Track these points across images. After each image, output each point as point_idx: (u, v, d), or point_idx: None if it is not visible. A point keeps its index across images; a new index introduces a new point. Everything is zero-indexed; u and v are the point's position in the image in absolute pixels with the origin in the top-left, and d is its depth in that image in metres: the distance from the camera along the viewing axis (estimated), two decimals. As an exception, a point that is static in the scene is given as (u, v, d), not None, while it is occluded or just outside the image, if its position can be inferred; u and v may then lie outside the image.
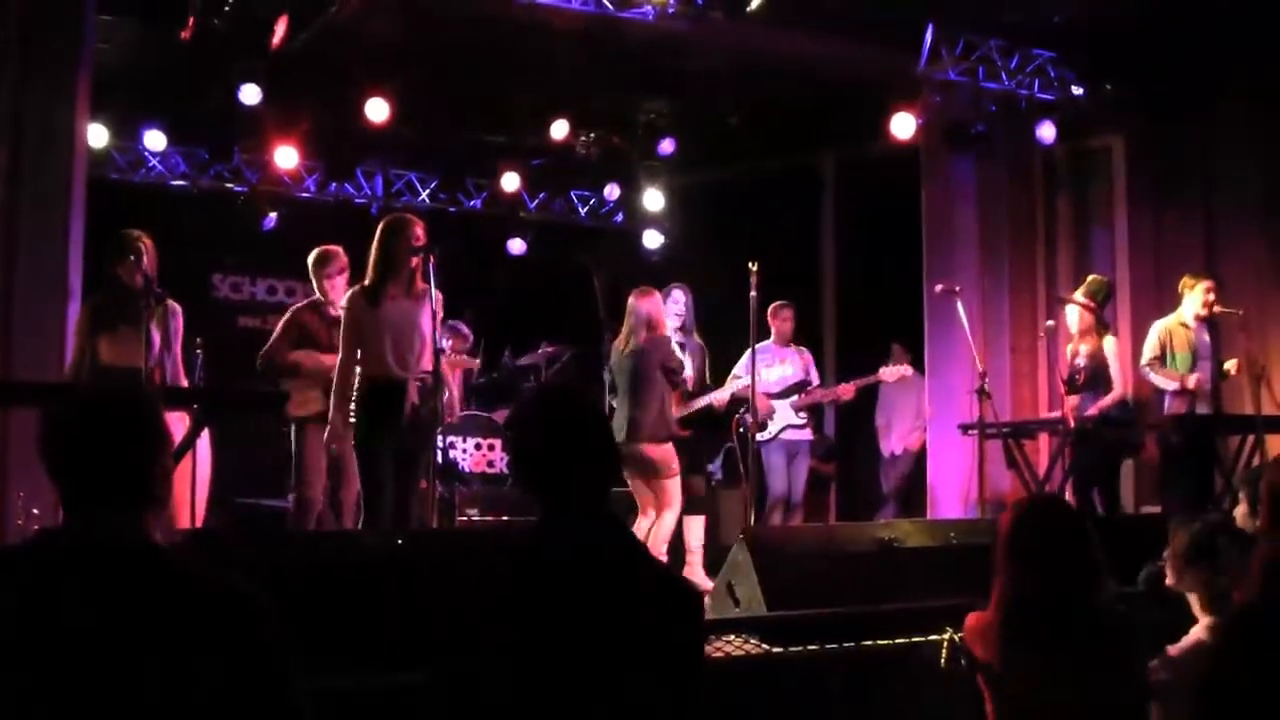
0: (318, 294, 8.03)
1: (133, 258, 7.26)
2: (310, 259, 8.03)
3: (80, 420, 2.66)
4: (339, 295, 7.81)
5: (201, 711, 2.46)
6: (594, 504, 2.86)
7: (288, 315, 8.08)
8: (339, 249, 8.01)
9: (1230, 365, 9.10)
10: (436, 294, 7.17)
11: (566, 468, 2.85)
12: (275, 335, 7.97)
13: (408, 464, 7.14)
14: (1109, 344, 9.06)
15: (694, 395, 8.87)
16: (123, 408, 2.70)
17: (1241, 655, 3.09)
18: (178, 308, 7.56)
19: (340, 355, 7.10)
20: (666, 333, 8.52)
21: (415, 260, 7.11)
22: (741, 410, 8.94)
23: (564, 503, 2.85)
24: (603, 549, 2.83)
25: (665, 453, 8.31)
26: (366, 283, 7.10)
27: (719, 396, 8.87)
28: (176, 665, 2.46)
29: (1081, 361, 9.03)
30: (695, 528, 8.77)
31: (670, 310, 8.90)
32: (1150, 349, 9.15)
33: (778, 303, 9.74)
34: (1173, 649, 4.08)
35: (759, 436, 9.38)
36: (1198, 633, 4.14)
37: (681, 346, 8.91)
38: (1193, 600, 4.23)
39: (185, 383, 7.73)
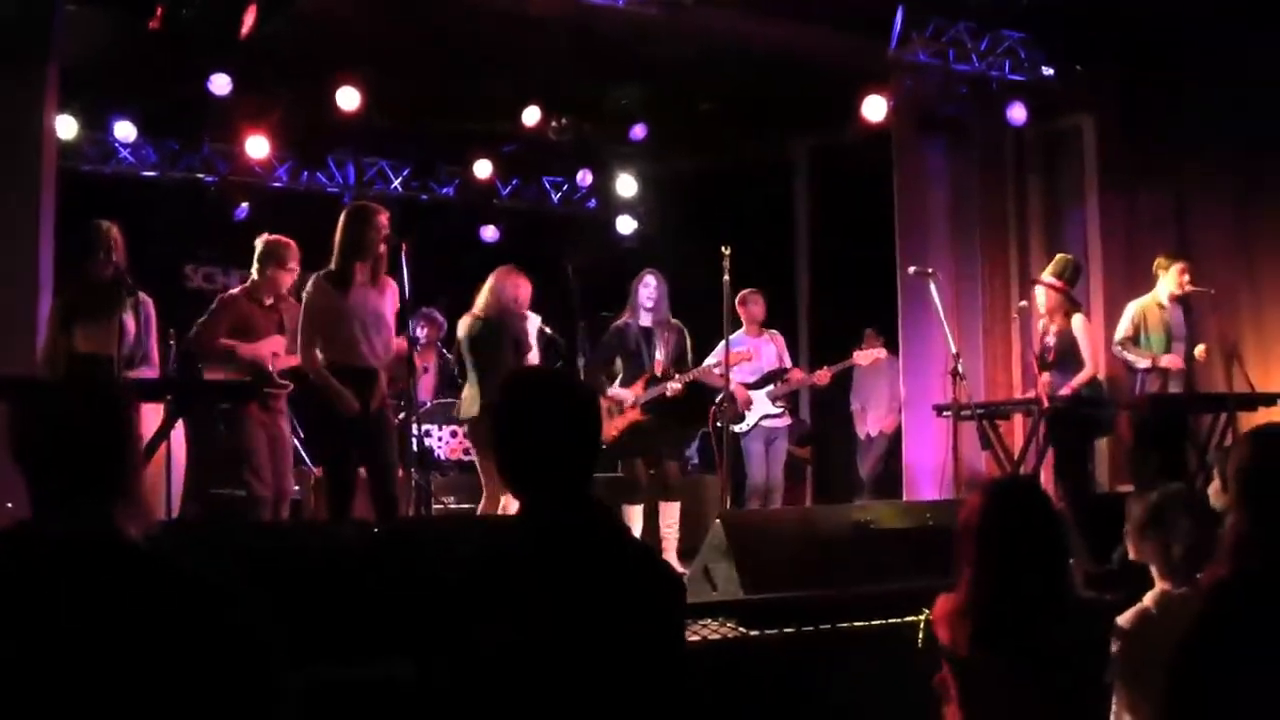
0: (260, 282, 7.77)
1: (102, 249, 7.22)
2: (264, 248, 7.78)
3: (50, 412, 2.67)
4: (285, 289, 7.79)
5: (174, 703, 2.46)
6: (577, 489, 2.83)
7: (221, 301, 7.81)
8: (294, 244, 7.91)
9: (1199, 350, 9.17)
10: (404, 282, 7.20)
11: (549, 452, 2.81)
12: (207, 319, 7.68)
13: (382, 453, 7.15)
14: (1077, 322, 9.06)
15: (662, 380, 8.86)
16: (91, 399, 2.70)
17: (1215, 632, 3.11)
18: (149, 300, 7.52)
19: (301, 342, 7.08)
20: (525, 313, 8.33)
21: (381, 249, 7.12)
22: (719, 399, 8.94)
23: (546, 488, 2.82)
24: (586, 534, 2.80)
25: None
26: (333, 269, 7.09)
27: (673, 386, 8.85)
28: (148, 657, 2.46)
29: (1050, 340, 9.04)
30: (669, 513, 8.79)
31: (642, 296, 8.90)
32: (1123, 328, 9.20)
33: (747, 290, 9.68)
34: (1121, 619, 4.11)
35: (738, 428, 9.40)
36: (1147, 601, 4.19)
37: (650, 331, 8.91)
38: (1152, 570, 4.28)
39: (157, 374, 7.69)
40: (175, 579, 2.57)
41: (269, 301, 7.76)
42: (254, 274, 7.81)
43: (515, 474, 2.86)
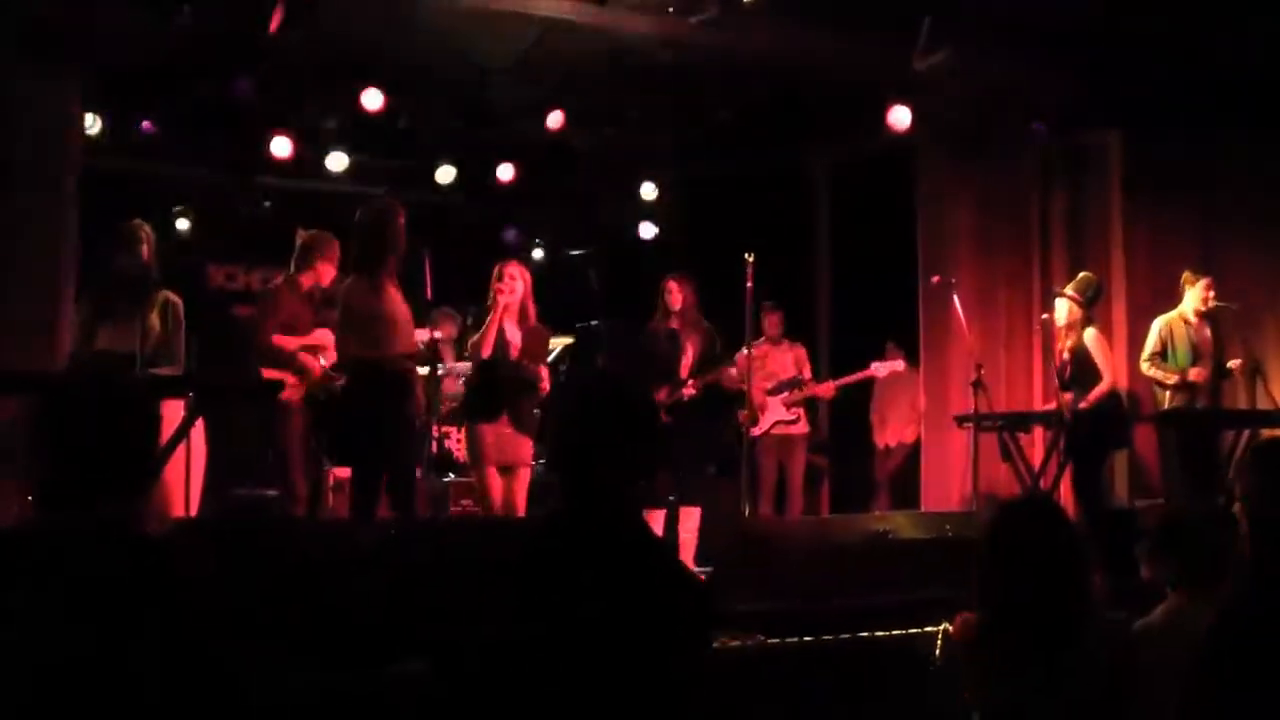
0: (302, 275, 7.84)
1: (135, 247, 7.27)
2: (309, 240, 7.85)
3: (70, 405, 2.67)
4: (327, 283, 7.82)
5: (154, 695, 2.49)
6: (623, 493, 2.86)
7: (272, 297, 7.89)
8: (337, 240, 7.92)
9: (1234, 364, 9.12)
10: (426, 285, 7.27)
11: (592, 452, 2.84)
12: (264, 318, 7.77)
13: (405, 453, 7.19)
14: (1089, 335, 9.04)
15: (684, 383, 8.85)
16: (108, 395, 2.71)
17: (1227, 646, 3.10)
18: (178, 300, 7.53)
19: (338, 340, 7.25)
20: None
21: (402, 247, 7.20)
22: (736, 406, 8.95)
23: (596, 491, 2.83)
24: (622, 540, 2.83)
25: None
26: (364, 268, 7.15)
27: (687, 390, 8.86)
28: (133, 649, 2.49)
29: (1066, 356, 9.02)
30: (690, 518, 8.79)
31: (667, 301, 8.91)
32: (1151, 345, 9.16)
33: (767, 303, 9.72)
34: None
35: (752, 431, 9.41)
36: (1156, 614, 4.22)
37: (675, 334, 8.91)
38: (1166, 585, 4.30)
39: (181, 372, 7.70)
40: (179, 574, 2.59)
41: (305, 296, 7.80)
42: (295, 267, 7.84)
43: (569, 474, 2.88)
